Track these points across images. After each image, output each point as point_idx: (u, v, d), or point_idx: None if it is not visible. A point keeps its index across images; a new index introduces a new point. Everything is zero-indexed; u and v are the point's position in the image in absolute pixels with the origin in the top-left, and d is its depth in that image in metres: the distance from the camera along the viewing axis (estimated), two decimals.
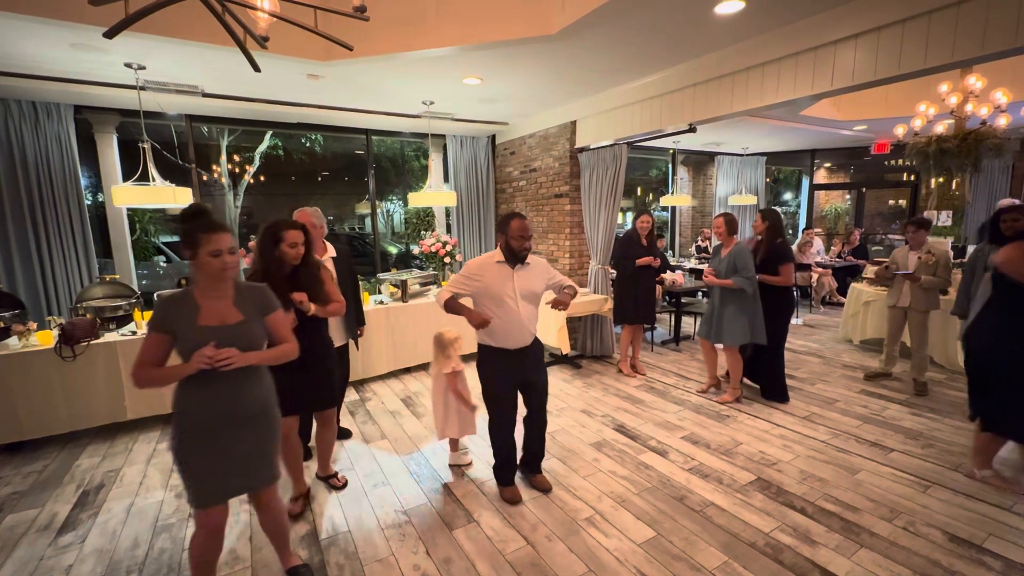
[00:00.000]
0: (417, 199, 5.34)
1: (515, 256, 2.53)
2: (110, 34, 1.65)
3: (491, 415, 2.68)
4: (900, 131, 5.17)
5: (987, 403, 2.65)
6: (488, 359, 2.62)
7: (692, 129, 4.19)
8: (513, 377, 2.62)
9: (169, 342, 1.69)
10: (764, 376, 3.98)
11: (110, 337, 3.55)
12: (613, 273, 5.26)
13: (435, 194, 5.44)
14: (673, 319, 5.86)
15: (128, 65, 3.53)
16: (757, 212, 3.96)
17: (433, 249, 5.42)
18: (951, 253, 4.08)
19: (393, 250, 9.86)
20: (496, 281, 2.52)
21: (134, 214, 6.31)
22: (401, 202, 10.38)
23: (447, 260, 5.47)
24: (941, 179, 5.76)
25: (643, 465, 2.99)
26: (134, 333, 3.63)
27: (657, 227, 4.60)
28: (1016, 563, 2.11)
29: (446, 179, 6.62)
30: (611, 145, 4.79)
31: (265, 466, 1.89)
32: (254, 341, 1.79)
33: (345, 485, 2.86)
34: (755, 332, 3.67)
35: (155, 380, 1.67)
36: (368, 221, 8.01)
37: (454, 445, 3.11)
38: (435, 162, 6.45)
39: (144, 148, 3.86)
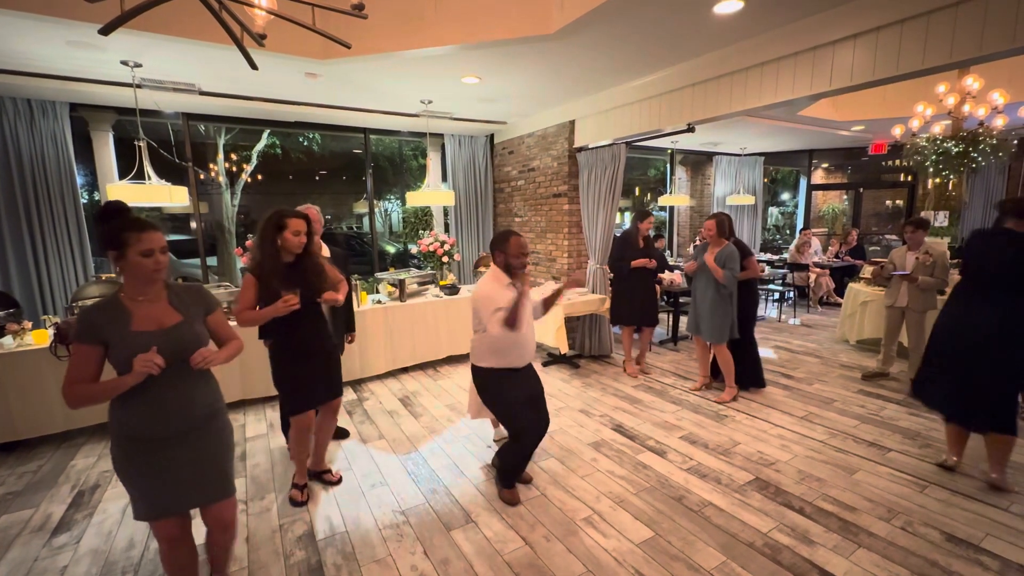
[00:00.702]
0: (415, 198, 5.32)
1: (513, 274, 2.53)
2: (105, 31, 1.64)
3: (515, 431, 2.59)
4: (898, 131, 5.18)
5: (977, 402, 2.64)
6: (496, 382, 2.56)
7: (691, 129, 4.18)
8: (523, 392, 2.60)
9: (101, 354, 1.56)
10: (744, 366, 4.07)
11: None
12: (611, 274, 5.24)
13: (433, 193, 5.43)
14: (671, 319, 5.87)
15: (124, 63, 3.51)
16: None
17: (431, 248, 5.41)
18: (948, 253, 4.09)
19: (391, 249, 9.84)
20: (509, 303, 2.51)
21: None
22: (399, 201, 10.36)
23: (445, 259, 5.46)
24: (938, 180, 5.78)
25: (641, 465, 2.99)
26: None
27: (655, 227, 4.59)
28: (1013, 562, 2.11)
29: (444, 178, 6.61)
30: (610, 145, 4.79)
31: (218, 477, 1.76)
32: (198, 341, 1.67)
33: (340, 481, 2.86)
34: (732, 328, 3.83)
35: (91, 396, 1.53)
36: (366, 220, 8.00)
37: (496, 422, 3.17)
38: (433, 161, 6.43)
39: (140, 146, 3.84)
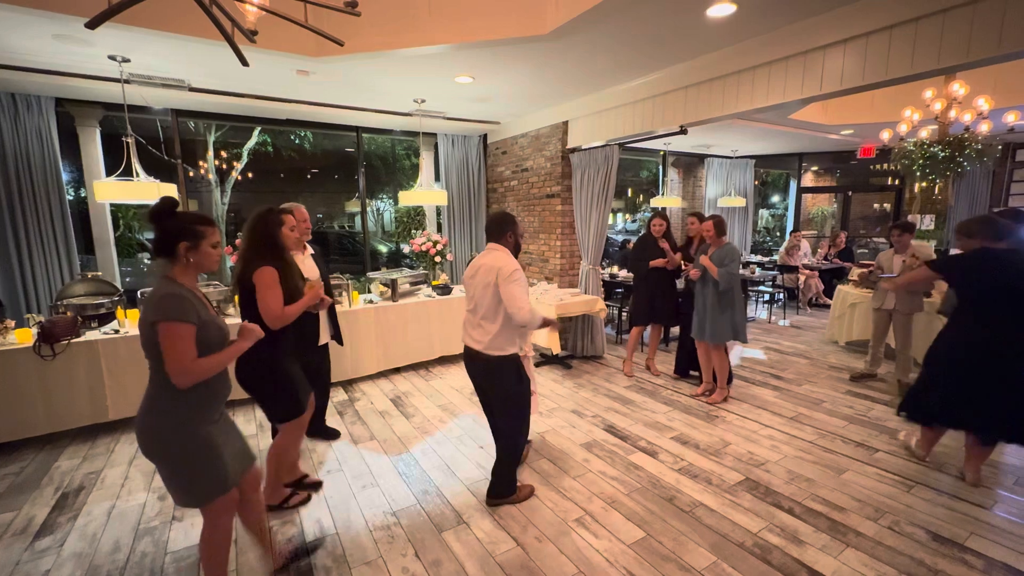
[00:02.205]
0: (408, 198, 5.30)
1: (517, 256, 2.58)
2: (92, 24, 1.61)
3: (527, 416, 2.63)
4: (886, 136, 5.25)
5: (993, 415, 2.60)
6: (520, 365, 2.54)
7: (683, 131, 4.21)
8: None
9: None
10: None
11: (92, 336, 3.47)
12: (604, 274, 5.26)
13: (426, 193, 5.41)
14: None
15: (112, 57, 3.45)
16: (702, 217, 4.26)
17: (424, 248, 5.39)
18: (934, 256, 4.15)
19: (383, 249, 9.79)
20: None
21: (118, 210, 6.18)
22: (392, 201, 10.32)
23: (438, 259, 5.44)
24: (925, 183, 5.87)
25: (633, 466, 3.00)
26: (116, 332, 3.55)
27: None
28: (997, 561, 2.15)
29: (437, 178, 6.59)
30: (603, 146, 4.80)
31: (245, 442, 1.96)
32: None
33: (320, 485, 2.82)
34: (738, 331, 3.80)
35: (214, 367, 1.65)
36: (358, 219, 7.94)
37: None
38: (426, 161, 6.41)
39: (128, 143, 3.78)
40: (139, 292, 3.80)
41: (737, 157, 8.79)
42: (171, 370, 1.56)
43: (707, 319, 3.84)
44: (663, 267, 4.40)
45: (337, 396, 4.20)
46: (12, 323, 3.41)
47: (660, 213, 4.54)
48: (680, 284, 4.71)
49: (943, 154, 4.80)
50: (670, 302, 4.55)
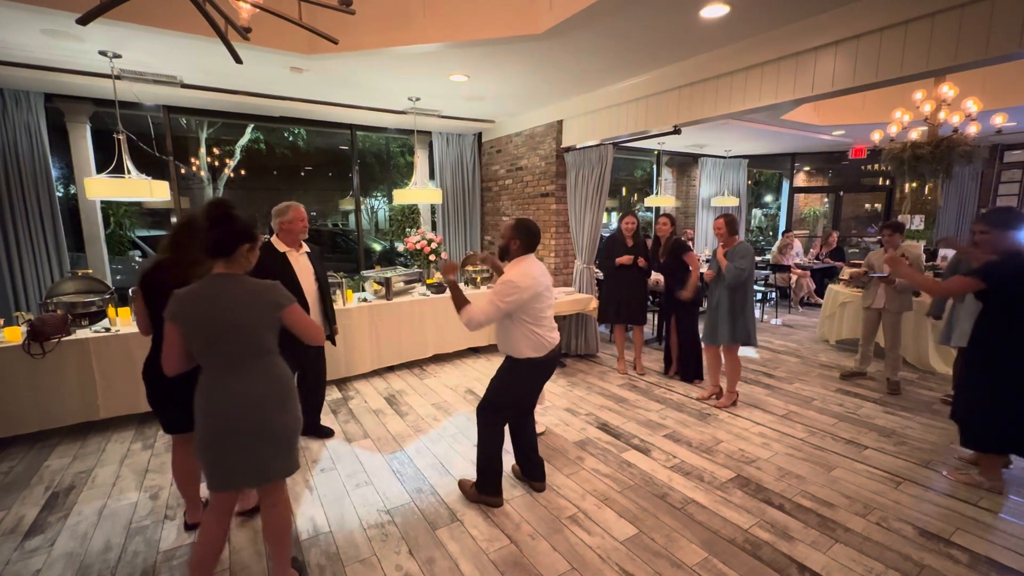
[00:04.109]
0: (402, 196, 5.29)
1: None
2: (84, 20, 1.60)
3: None
4: (876, 137, 5.31)
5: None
6: None
7: (677, 131, 4.23)
8: None
9: None
10: (689, 360, 4.37)
11: (82, 334, 3.44)
12: (598, 273, 5.29)
13: (420, 191, 5.40)
14: (656, 319, 5.93)
15: (103, 53, 3.42)
16: (672, 219, 4.44)
17: (418, 247, 5.38)
18: (923, 256, 4.21)
19: (377, 247, 9.75)
20: None
21: (108, 207, 6.11)
22: (386, 199, 10.29)
23: (432, 258, 5.43)
24: (915, 184, 5.94)
25: (626, 463, 3.02)
26: (107, 330, 3.52)
27: (641, 227, 4.65)
28: (981, 556, 2.19)
29: (432, 176, 6.58)
30: (597, 145, 4.82)
31: None
32: None
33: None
34: (750, 335, 3.69)
35: None
36: (352, 217, 7.91)
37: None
38: (421, 159, 6.39)
39: (119, 139, 3.75)
40: (130, 290, 3.76)
41: (730, 157, 8.84)
42: (317, 334, 1.87)
43: (720, 321, 3.70)
44: (630, 265, 4.42)
45: (331, 394, 4.19)
46: (1, 321, 3.38)
47: (631, 212, 4.58)
48: (651, 283, 4.76)
49: (932, 155, 4.86)
50: (638, 300, 4.55)
